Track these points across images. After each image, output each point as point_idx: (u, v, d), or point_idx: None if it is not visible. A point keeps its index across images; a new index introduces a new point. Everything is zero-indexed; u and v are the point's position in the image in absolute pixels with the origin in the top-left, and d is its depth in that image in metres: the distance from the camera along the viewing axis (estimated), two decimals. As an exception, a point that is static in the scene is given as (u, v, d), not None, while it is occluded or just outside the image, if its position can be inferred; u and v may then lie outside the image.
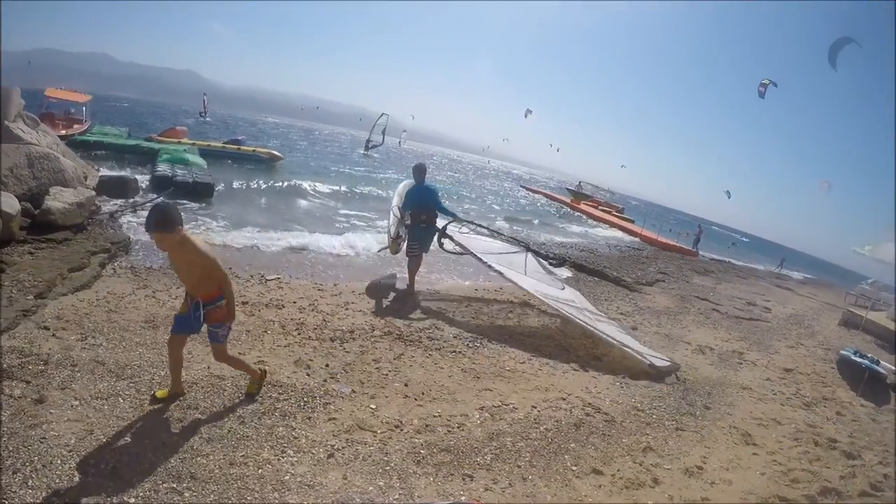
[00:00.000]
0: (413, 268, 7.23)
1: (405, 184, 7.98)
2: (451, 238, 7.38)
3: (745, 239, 63.25)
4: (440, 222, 7.42)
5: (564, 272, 10.49)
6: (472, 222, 8.50)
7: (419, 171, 7.22)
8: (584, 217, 29.93)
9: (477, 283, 8.74)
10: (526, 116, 36.23)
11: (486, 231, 8.95)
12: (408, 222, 7.22)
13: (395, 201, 7.65)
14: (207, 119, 53.05)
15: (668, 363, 5.89)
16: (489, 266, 6.96)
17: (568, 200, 36.96)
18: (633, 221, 31.05)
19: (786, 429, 4.89)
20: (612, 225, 27.21)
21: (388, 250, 7.61)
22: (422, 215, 7.09)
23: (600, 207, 33.41)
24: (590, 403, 4.60)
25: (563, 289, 7.64)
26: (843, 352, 7.92)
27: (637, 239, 23.78)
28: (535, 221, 23.12)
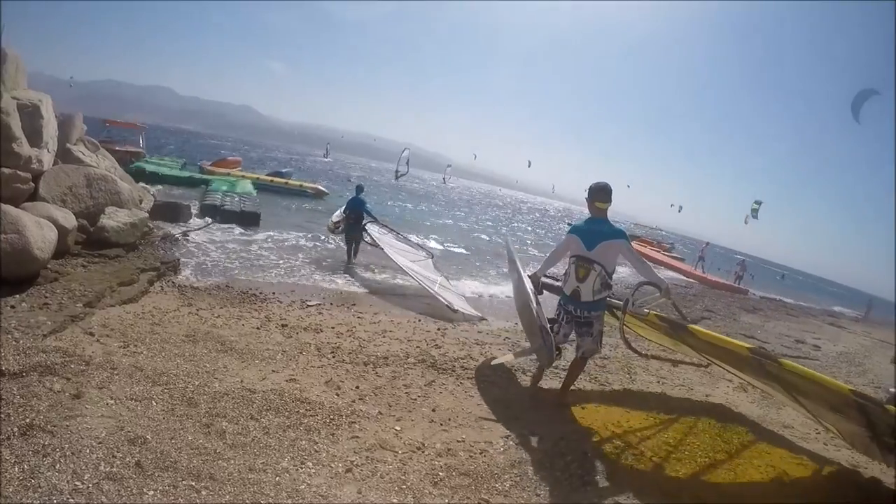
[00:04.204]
0: (348, 247, 11.12)
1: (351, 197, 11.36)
2: (367, 232, 10.80)
3: (799, 277, 61.05)
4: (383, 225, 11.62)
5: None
6: (386, 226, 11.70)
7: (358, 189, 11.43)
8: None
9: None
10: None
11: (400, 235, 11.83)
12: (344, 216, 11.02)
13: (343, 207, 11.43)
14: (328, 159, 65.75)
15: (476, 315, 8.06)
16: (382, 249, 10.08)
17: None
18: (682, 260, 30.29)
19: (826, 469, 4.60)
20: (660, 263, 26.56)
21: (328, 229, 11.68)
22: (352, 215, 10.85)
23: (650, 248, 32.70)
24: (619, 436, 4.45)
25: (438, 277, 9.85)
26: (893, 389, 7.42)
27: (685, 277, 23.17)
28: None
